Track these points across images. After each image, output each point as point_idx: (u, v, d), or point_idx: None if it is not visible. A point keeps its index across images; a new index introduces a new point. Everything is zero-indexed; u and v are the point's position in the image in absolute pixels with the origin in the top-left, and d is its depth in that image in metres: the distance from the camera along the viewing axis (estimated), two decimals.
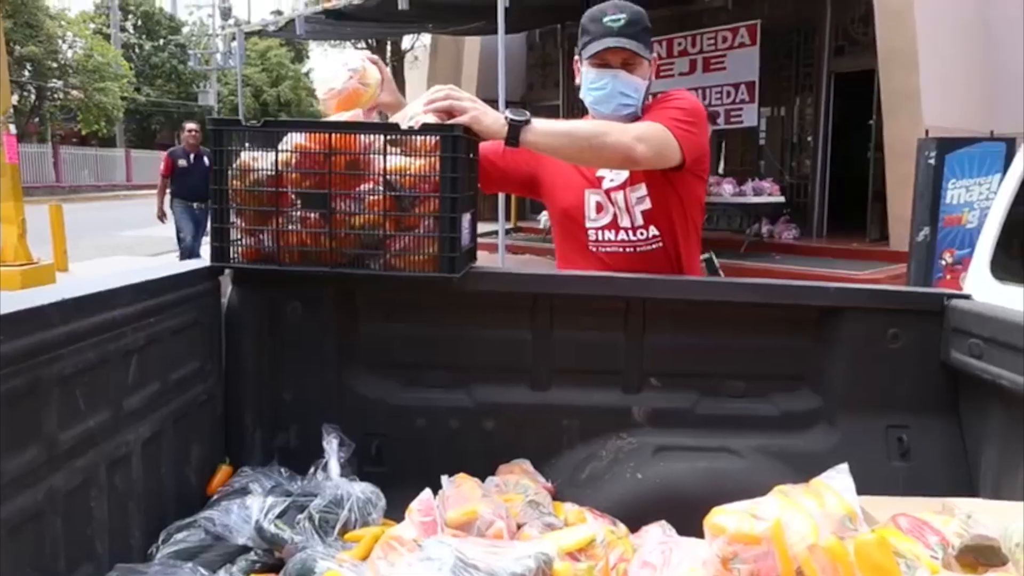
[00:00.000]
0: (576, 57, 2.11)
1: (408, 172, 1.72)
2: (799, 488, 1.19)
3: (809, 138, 11.36)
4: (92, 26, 31.19)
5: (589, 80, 2.03)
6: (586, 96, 2.06)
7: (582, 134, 1.86)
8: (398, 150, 1.73)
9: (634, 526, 1.71)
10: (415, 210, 1.77)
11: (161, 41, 36.84)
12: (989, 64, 8.75)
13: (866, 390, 1.94)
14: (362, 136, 1.75)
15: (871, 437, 1.94)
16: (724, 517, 1.14)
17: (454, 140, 1.72)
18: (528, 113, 1.84)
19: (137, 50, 36.28)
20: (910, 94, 8.69)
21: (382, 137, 1.73)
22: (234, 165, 1.78)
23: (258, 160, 1.77)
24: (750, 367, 1.98)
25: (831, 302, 1.93)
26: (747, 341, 1.96)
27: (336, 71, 2.01)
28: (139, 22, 37.17)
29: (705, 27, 11.64)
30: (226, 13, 38.15)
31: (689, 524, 1.59)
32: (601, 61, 2.00)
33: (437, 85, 1.85)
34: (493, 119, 1.80)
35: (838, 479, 1.19)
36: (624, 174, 2.04)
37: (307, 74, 42.34)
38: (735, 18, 11.33)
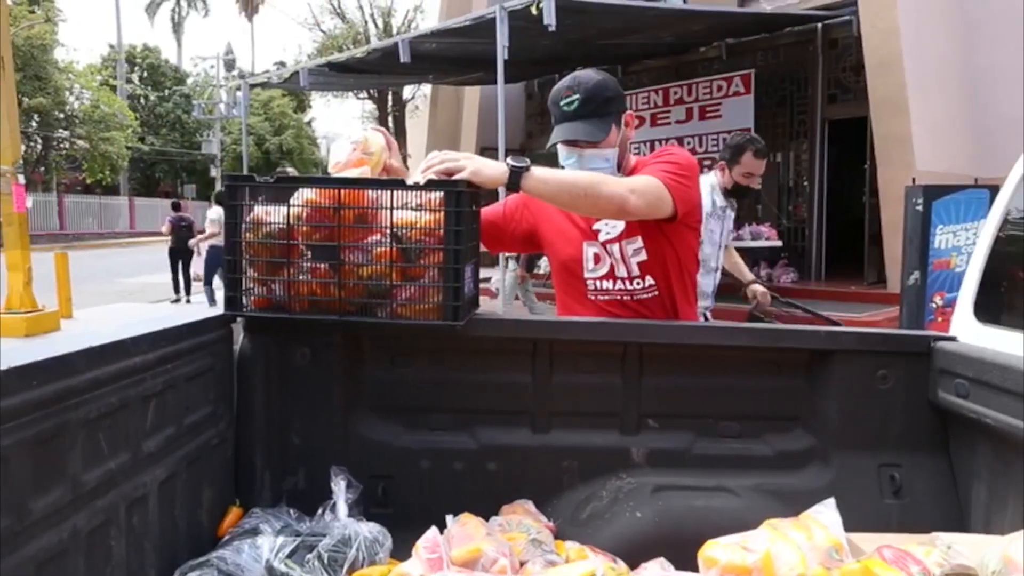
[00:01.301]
0: None
1: (416, 226, 1.81)
2: (788, 522, 1.25)
3: (805, 183, 11.52)
4: (99, 78, 31.77)
5: (561, 156, 2.13)
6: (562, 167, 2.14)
7: (580, 184, 1.94)
8: (407, 204, 1.82)
9: (634, 563, 1.76)
10: (420, 261, 1.85)
11: (166, 92, 37.50)
12: (977, 110, 8.94)
13: (858, 430, 2.00)
14: (369, 191, 1.84)
15: (864, 475, 1.99)
16: (716, 550, 1.19)
17: (458, 195, 1.81)
18: (528, 161, 1.93)
19: (143, 100, 36.93)
20: (901, 140, 8.86)
21: (389, 192, 1.82)
22: (247, 219, 1.86)
23: (271, 214, 1.86)
24: (744, 408, 2.04)
25: (821, 345, 2.00)
26: (741, 383, 2.03)
27: (342, 145, 2.12)
28: (145, 74, 37.90)
29: (700, 76, 11.88)
30: (230, 65, 38.92)
31: (687, 561, 1.64)
32: (565, 141, 2.10)
33: (433, 152, 1.93)
34: (492, 169, 1.88)
35: (825, 513, 1.25)
36: (620, 227, 2.12)
37: (309, 123, 42.99)
38: (729, 67, 11.58)
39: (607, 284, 2.15)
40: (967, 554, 1.20)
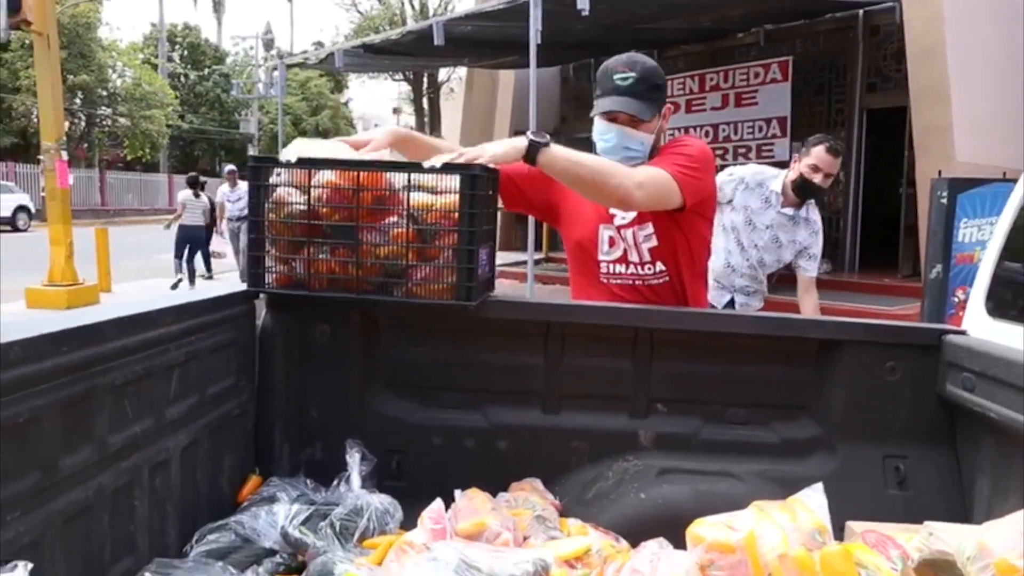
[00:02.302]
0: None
1: (433, 208, 1.86)
2: (775, 504, 1.29)
3: (841, 173, 11.38)
4: (141, 56, 32.31)
5: (598, 131, 2.15)
6: (596, 143, 2.17)
7: (589, 169, 1.97)
8: (424, 187, 1.88)
9: (636, 543, 1.80)
10: (436, 242, 1.91)
11: (206, 71, 37.96)
12: (1021, 101, 8.74)
13: (865, 420, 2.02)
14: (388, 174, 1.90)
15: (869, 465, 2.01)
16: (703, 528, 1.24)
17: (473, 179, 1.86)
18: (549, 137, 1.97)
19: (183, 79, 37.43)
20: (942, 130, 8.71)
21: (407, 175, 1.88)
22: (271, 198, 1.93)
23: (292, 194, 1.92)
24: (752, 395, 2.07)
25: (830, 335, 2.02)
26: (750, 371, 2.06)
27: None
28: (185, 52, 38.38)
29: (737, 62, 11.77)
30: (269, 44, 39.25)
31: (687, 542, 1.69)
32: (608, 116, 2.12)
33: (443, 156, 1.95)
34: (508, 146, 1.93)
35: (812, 497, 1.29)
36: (633, 212, 2.16)
37: (346, 104, 43.25)
38: (767, 54, 11.45)
39: (620, 268, 2.18)
40: (947, 540, 1.23)
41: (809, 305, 3.51)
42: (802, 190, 3.47)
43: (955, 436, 2.00)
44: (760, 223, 3.57)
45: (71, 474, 1.33)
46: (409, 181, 1.88)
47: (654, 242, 2.15)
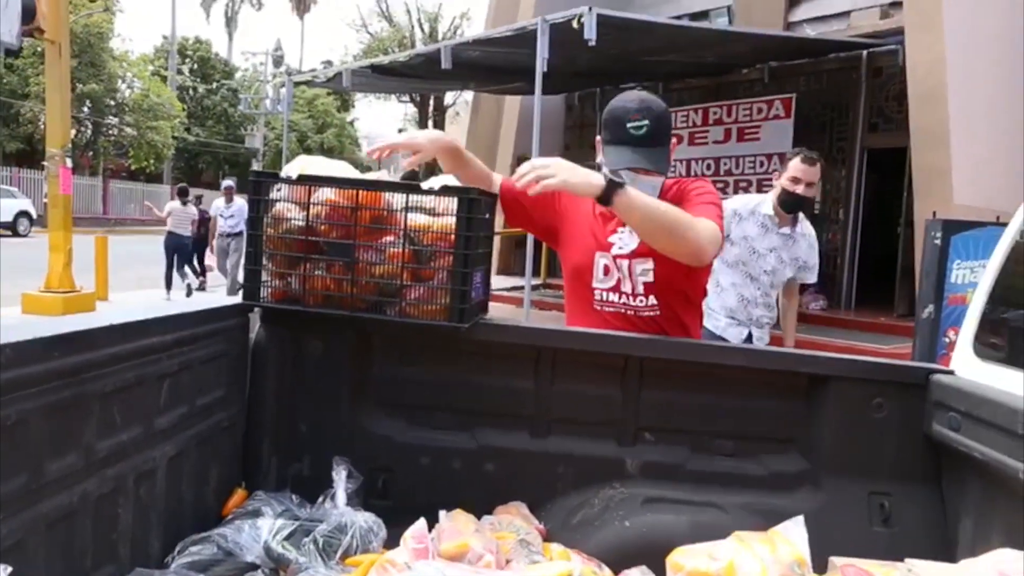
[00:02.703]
0: (599, 140, 2.14)
1: (430, 229, 1.88)
2: (756, 535, 1.30)
3: (840, 211, 11.44)
4: (151, 68, 32.57)
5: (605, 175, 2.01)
6: None
7: (665, 220, 1.89)
8: (422, 208, 1.90)
9: (618, 571, 1.81)
10: (431, 263, 1.93)
11: (214, 84, 38.25)
12: (1020, 147, 8.81)
13: (851, 456, 2.03)
14: (387, 194, 1.92)
15: (854, 502, 2.02)
16: (683, 556, 1.25)
17: (470, 202, 1.88)
18: (625, 179, 1.96)
19: (191, 92, 37.70)
20: (941, 172, 8.78)
21: (405, 196, 1.90)
22: (269, 214, 1.96)
23: (291, 210, 1.95)
24: (740, 427, 2.08)
25: (818, 370, 2.04)
26: (738, 403, 2.07)
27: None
28: (195, 66, 38.69)
29: (741, 98, 11.88)
30: (278, 61, 39.62)
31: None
32: None
33: (526, 162, 1.90)
34: (583, 178, 1.84)
35: (793, 530, 1.30)
36: (633, 244, 2.15)
37: (351, 123, 43.52)
38: (771, 91, 11.57)
39: (612, 296, 2.20)
40: None
41: (790, 311, 3.81)
42: (789, 205, 3.58)
43: (940, 475, 2.00)
44: (763, 248, 3.61)
45: (56, 478, 1.33)
46: (407, 202, 1.91)
47: (650, 277, 2.14)
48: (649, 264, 2.14)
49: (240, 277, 10.74)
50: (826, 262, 11.54)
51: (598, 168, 2.08)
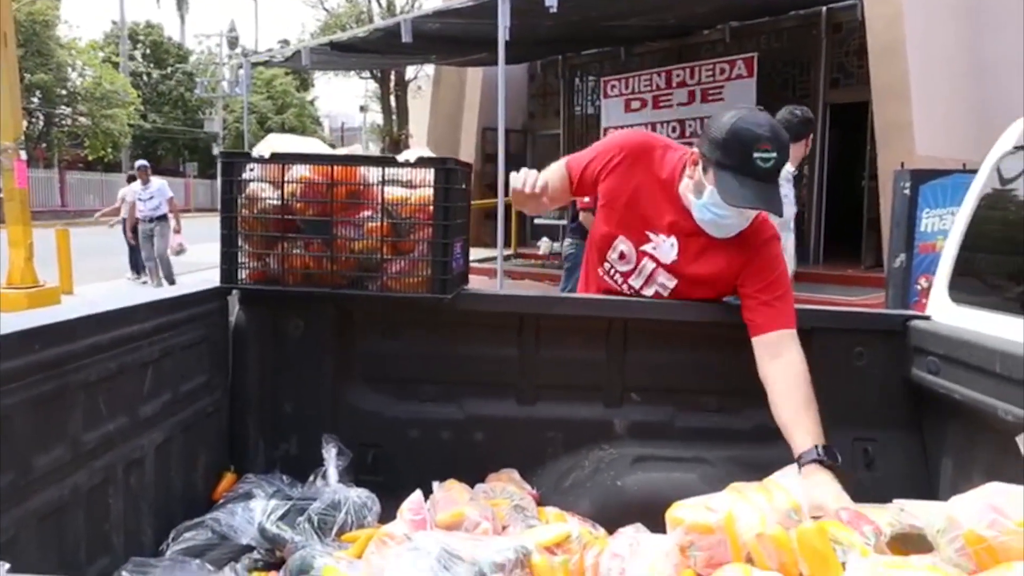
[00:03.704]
0: (699, 155, 1.89)
1: (408, 202, 1.87)
2: (751, 485, 1.32)
3: (805, 167, 11.54)
4: (101, 54, 31.70)
5: (712, 204, 1.86)
6: (701, 211, 1.90)
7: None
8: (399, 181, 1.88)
9: (612, 530, 1.82)
10: (410, 236, 1.91)
11: (169, 69, 37.37)
12: (980, 97, 8.93)
13: (834, 404, 2.06)
14: (362, 168, 1.90)
15: (839, 448, 2.04)
16: (682, 510, 1.26)
17: (447, 172, 1.87)
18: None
19: (145, 78, 36.81)
20: (903, 125, 8.87)
21: (381, 170, 1.88)
22: (243, 194, 1.92)
23: (266, 190, 1.92)
24: (725, 383, 2.11)
25: (800, 323, 2.05)
26: (721, 359, 2.09)
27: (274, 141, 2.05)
28: (148, 51, 37.74)
29: (703, 59, 11.86)
30: (233, 42, 38.80)
31: (662, 527, 1.71)
32: None
33: None
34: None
35: (787, 477, 1.32)
36: (671, 257, 2.02)
37: (312, 102, 42.84)
38: (732, 51, 11.56)
39: (618, 277, 2.10)
40: (918, 515, 1.27)
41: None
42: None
43: (920, 418, 2.05)
44: (790, 202, 3.85)
45: (45, 473, 1.31)
46: (383, 175, 1.89)
47: (666, 293, 2.07)
48: (673, 283, 2.06)
49: (170, 263, 10.16)
50: (794, 218, 11.67)
51: (696, 189, 1.90)
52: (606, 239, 2.09)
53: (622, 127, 12.66)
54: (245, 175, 1.92)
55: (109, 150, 29.58)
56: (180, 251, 10.62)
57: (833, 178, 11.42)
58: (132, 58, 36.11)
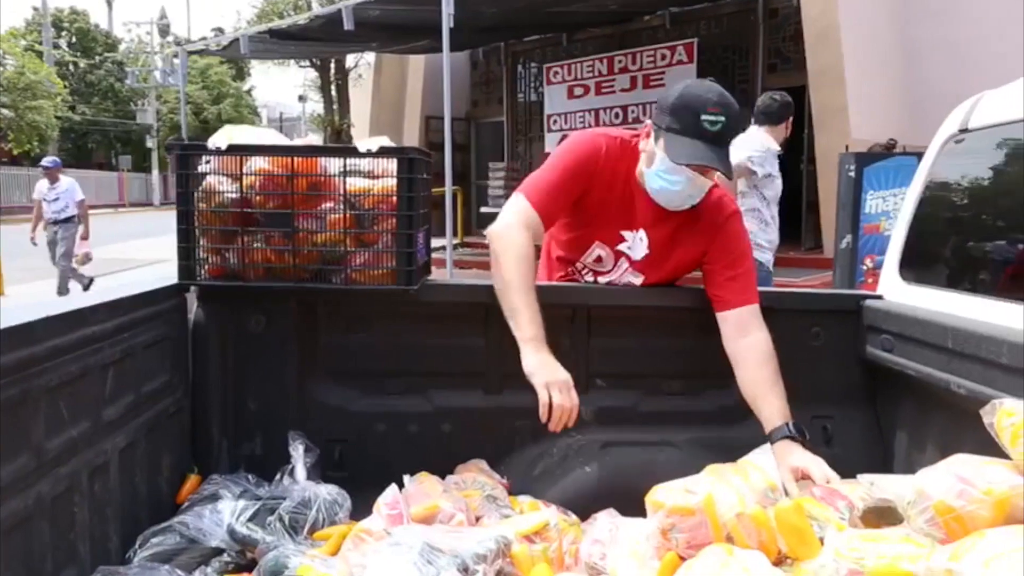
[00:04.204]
0: (651, 125, 1.92)
1: (370, 193, 1.84)
2: (728, 466, 1.35)
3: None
4: (23, 43, 30.39)
5: (663, 170, 1.87)
6: (653, 180, 1.91)
7: None
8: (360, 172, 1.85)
9: (584, 515, 1.85)
10: (374, 227, 1.89)
11: (97, 59, 36.07)
12: (909, 81, 9.22)
13: (793, 383, 2.11)
14: (322, 159, 1.86)
15: None
16: (662, 493, 1.28)
17: (410, 162, 1.85)
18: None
19: (72, 68, 35.46)
20: (838, 109, 9.10)
21: (342, 160, 1.85)
22: (200, 188, 1.87)
23: (223, 183, 1.87)
24: (687, 367, 2.14)
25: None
26: (683, 343, 2.12)
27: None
28: (73, 39, 36.36)
29: (644, 45, 11.97)
30: (164, 30, 37.61)
31: (634, 511, 1.73)
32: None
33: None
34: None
35: (761, 457, 1.36)
36: (641, 253, 2.04)
37: (249, 92, 41.89)
38: (673, 37, 11.69)
39: (591, 272, 2.12)
40: (887, 489, 1.31)
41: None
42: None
43: (875, 395, 2.12)
44: (779, 182, 4.28)
45: (10, 482, 1.26)
46: (345, 166, 1.86)
47: (637, 283, 2.10)
48: (641, 279, 2.10)
49: (70, 271, 9.13)
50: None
51: (648, 159, 1.91)
52: (578, 242, 2.08)
53: (565, 114, 12.75)
54: (201, 168, 1.87)
55: (35, 143, 28.42)
56: (86, 261, 9.74)
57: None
58: (57, 47, 34.71)
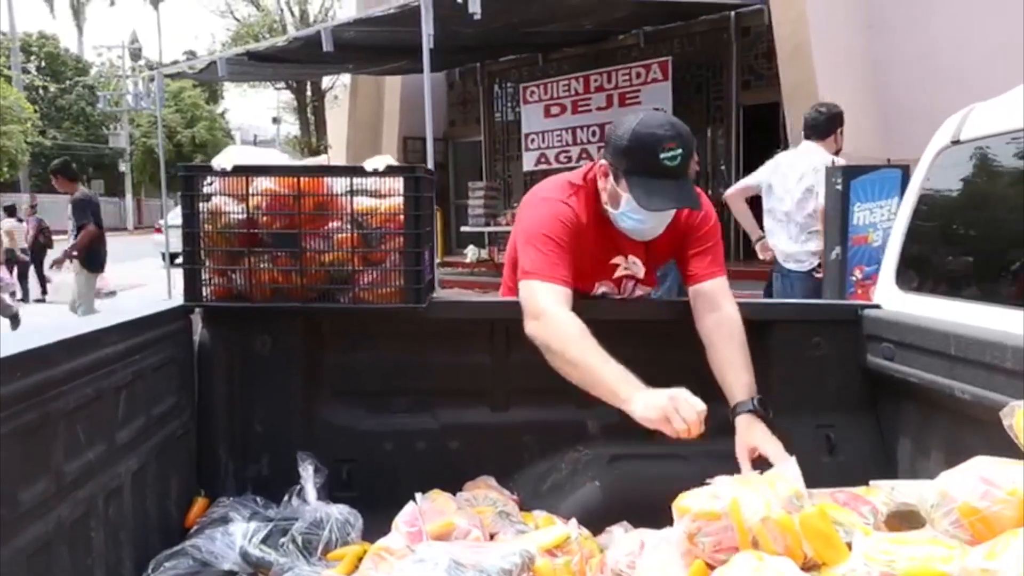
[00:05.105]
0: (608, 166, 1.91)
1: (377, 212, 1.85)
2: (753, 474, 1.36)
3: (722, 166, 11.90)
4: None
5: (630, 210, 1.89)
6: (623, 220, 1.94)
7: None
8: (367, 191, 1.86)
9: (596, 530, 1.85)
10: (381, 246, 1.89)
11: (67, 83, 35.76)
12: (879, 95, 9.41)
13: (797, 393, 2.14)
14: (328, 179, 1.87)
15: (803, 436, 2.13)
16: (689, 499, 1.30)
17: (417, 180, 1.86)
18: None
19: (42, 92, 35.11)
20: None
21: (349, 180, 1.85)
22: (204, 209, 1.87)
23: (228, 203, 1.87)
24: (693, 377, 2.15)
25: (761, 316, 2.13)
26: (690, 355, 2.14)
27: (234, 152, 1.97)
28: (43, 63, 36.04)
29: (619, 63, 12.11)
30: (136, 54, 37.41)
31: (646, 524, 1.74)
32: None
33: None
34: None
35: (788, 470, 1.38)
36: (642, 272, 2.12)
37: (222, 114, 41.70)
38: (648, 55, 11.84)
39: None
40: (909, 493, 1.34)
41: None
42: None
43: (877, 402, 2.15)
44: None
45: (31, 507, 1.25)
46: (351, 185, 1.86)
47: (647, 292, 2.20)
48: (648, 288, 2.20)
49: None
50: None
51: (612, 199, 1.92)
52: (582, 284, 2.04)
53: (543, 132, 12.84)
54: (206, 188, 1.87)
55: (5, 169, 28.04)
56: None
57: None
58: (26, 71, 34.37)
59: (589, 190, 1.98)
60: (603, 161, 1.93)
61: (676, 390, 1.64)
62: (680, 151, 1.81)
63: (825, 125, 4.20)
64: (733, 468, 1.99)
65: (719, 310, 1.96)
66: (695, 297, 2.01)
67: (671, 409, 1.59)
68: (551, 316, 1.80)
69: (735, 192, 4.78)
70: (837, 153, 4.21)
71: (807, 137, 4.30)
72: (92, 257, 7.21)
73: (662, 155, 1.80)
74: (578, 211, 1.95)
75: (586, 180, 2.00)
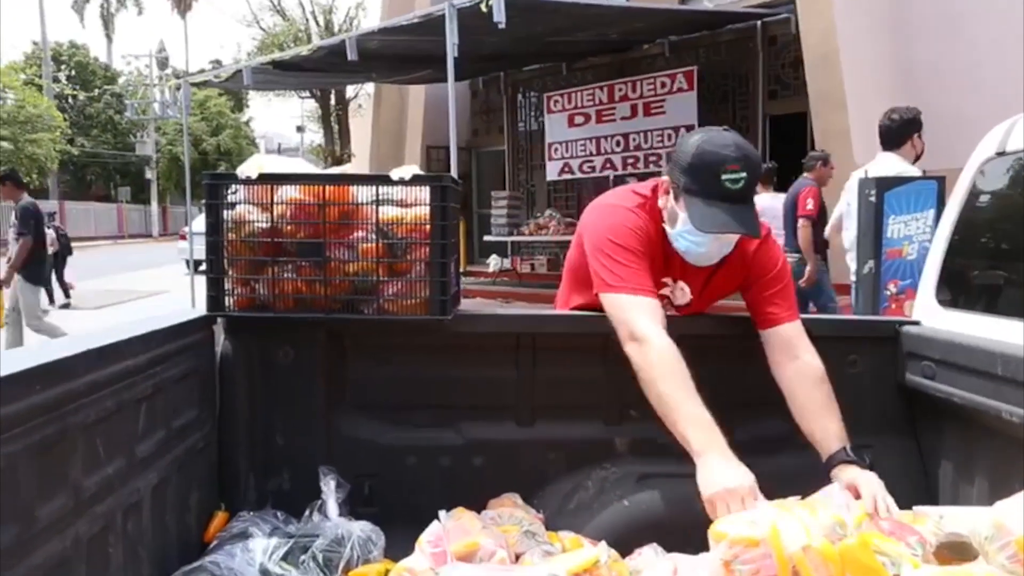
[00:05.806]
0: (669, 183, 1.86)
1: (403, 221, 1.81)
2: (793, 500, 1.30)
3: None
4: (23, 76, 30.58)
5: (687, 231, 1.83)
6: (679, 241, 1.88)
7: None
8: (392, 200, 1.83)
9: (623, 550, 1.79)
10: (407, 256, 1.86)
11: (96, 91, 36.31)
12: (909, 104, 9.26)
13: None
14: (354, 188, 1.84)
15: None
16: (725, 524, 1.24)
17: (443, 190, 1.82)
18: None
19: (71, 100, 35.68)
20: (840, 134, 9.13)
21: (375, 188, 1.82)
22: (228, 217, 1.84)
23: (253, 212, 1.84)
24: (723, 396, 2.09)
25: None
26: (719, 372, 2.08)
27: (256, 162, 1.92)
28: (73, 72, 36.63)
29: (644, 73, 12.05)
30: (163, 63, 37.93)
31: (674, 546, 1.69)
32: None
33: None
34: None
35: (832, 495, 1.32)
36: (685, 300, 2.04)
37: (247, 123, 42.13)
38: (673, 64, 11.77)
39: None
40: (957, 523, 1.27)
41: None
42: None
43: (916, 423, 2.07)
44: None
45: (48, 524, 1.21)
46: (377, 194, 1.83)
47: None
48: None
49: None
50: None
51: (671, 218, 1.87)
52: None
53: (566, 142, 12.80)
54: (231, 197, 1.84)
55: (35, 176, 28.47)
56: None
57: (776, 188, 11.68)
58: (56, 80, 34.94)
59: (653, 203, 1.92)
60: (665, 177, 1.88)
61: (744, 479, 1.57)
62: (745, 175, 1.74)
63: (898, 132, 4.01)
64: (760, 489, 1.93)
65: (799, 357, 1.89)
66: (771, 340, 1.93)
67: (725, 500, 1.52)
68: (651, 345, 1.76)
69: (834, 226, 4.66)
70: (917, 159, 4.00)
71: (883, 148, 4.11)
72: (33, 271, 7.27)
73: (724, 176, 1.73)
74: (646, 223, 1.90)
75: (652, 193, 1.94)
